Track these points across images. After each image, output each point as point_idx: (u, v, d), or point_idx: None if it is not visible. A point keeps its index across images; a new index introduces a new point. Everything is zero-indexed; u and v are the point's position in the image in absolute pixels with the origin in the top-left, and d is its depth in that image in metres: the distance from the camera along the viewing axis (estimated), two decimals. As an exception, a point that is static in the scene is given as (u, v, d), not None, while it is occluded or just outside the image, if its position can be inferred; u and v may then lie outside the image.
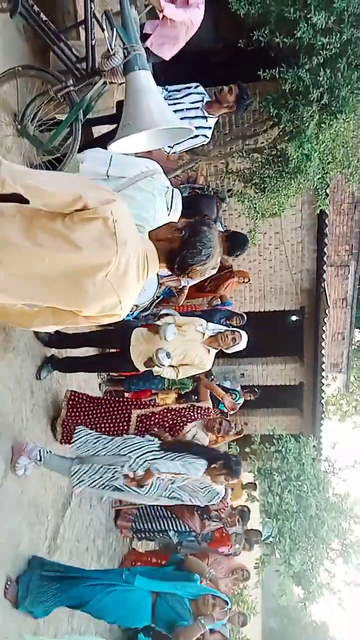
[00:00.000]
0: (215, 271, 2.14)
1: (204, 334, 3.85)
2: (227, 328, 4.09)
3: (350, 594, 6.92)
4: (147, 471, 3.19)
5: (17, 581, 3.01)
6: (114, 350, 4.20)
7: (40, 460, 3.24)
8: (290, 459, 6.76)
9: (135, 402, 4.29)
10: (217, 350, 4.03)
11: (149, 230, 1.74)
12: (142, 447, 3.38)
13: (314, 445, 7.07)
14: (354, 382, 13.23)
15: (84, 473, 3.30)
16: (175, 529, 5.27)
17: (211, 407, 4.41)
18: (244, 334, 3.98)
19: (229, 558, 5.39)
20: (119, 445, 3.41)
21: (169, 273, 4.14)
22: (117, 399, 4.32)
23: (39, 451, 3.23)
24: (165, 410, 4.15)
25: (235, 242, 4.41)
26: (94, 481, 3.29)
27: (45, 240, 1.51)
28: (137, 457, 3.30)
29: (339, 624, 25.71)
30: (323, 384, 9.02)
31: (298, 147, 4.43)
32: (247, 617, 4.92)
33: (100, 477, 3.27)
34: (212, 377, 6.23)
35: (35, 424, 3.62)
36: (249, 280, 6.85)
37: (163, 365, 3.67)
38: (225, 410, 5.70)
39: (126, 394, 5.60)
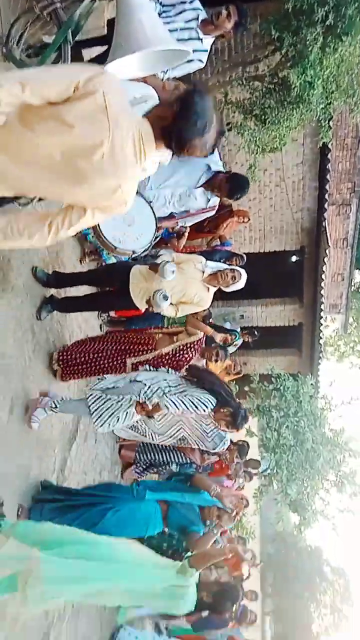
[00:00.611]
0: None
1: (203, 271, 3.82)
2: (226, 266, 4.06)
3: (344, 520, 7.37)
4: (157, 406, 3.27)
5: (30, 510, 3.17)
6: (113, 289, 4.18)
7: (56, 407, 3.35)
8: (288, 397, 6.95)
9: (129, 350, 4.22)
10: (216, 289, 4.02)
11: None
12: (157, 376, 3.45)
13: (311, 384, 7.24)
14: (353, 323, 13.33)
15: (104, 410, 3.36)
16: (177, 461, 5.49)
17: (202, 336, 4.40)
18: (243, 272, 3.95)
19: (231, 488, 5.66)
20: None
21: (167, 214, 4.07)
22: (109, 347, 4.21)
23: (53, 401, 3.36)
24: (159, 357, 4.17)
25: (236, 184, 4.20)
26: (112, 413, 3.35)
27: (38, 125, 1.47)
28: (152, 385, 3.34)
29: (331, 548, 27.62)
30: (322, 324, 9.08)
31: (300, 73, 4.20)
32: (246, 540, 5.25)
33: (120, 406, 3.34)
34: (210, 319, 6.25)
35: (38, 364, 3.68)
36: (249, 219, 6.71)
37: (160, 308, 3.68)
38: None
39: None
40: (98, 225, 2.55)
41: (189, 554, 2.65)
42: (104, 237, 2.65)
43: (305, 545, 19.77)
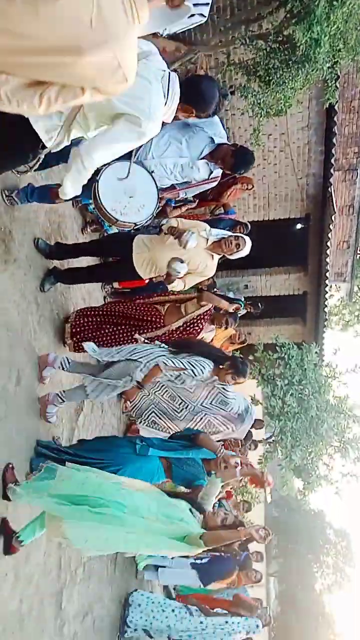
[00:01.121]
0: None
1: (207, 239, 3.77)
2: (231, 234, 4.00)
3: (346, 484, 7.51)
4: (155, 367, 3.32)
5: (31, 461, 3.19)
6: (115, 260, 4.14)
7: (63, 401, 3.47)
8: (293, 365, 6.98)
9: (138, 325, 4.26)
10: (220, 257, 3.98)
11: None
12: (153, 351, 3.49)
13: (316, 352, 7.25)
14: (358, 291, 13.24)
15: (101, 392, 3.52)
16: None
17: (210, 307, 4.41)
18: (247, 239, 3.89)
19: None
20: (131, 351, 3.51)
21: (168, 185, 3.97)
22: (118, 320, 4.26)
23: (62, 360, 3.47)
24: (168, 332, 4.21)
25: (242, 159, 4.03)
26: (109, 394, 3.49)
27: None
28: (148, 362, 3.42)
29: (334, 512, 28.48)
30: (327, 292, 9.03)
31: (306, 30, 4.02)
32: (251, 504, 5.37)
33: (116, 389, 3.46)
34: (216, 289, 6.21)
35: (43, 335, 3.69)
36: (253, 187, 6.57)
37: (179, 274, 3.65)
38: None
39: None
40: (99, 196, 2.49)
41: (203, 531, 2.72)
42: (105, 209, 2.59)
43: (309, 509, 20.26)
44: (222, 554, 4.70)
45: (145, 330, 4.19)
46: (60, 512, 2.44)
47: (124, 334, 4.16)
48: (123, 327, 4.19)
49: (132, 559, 5.47)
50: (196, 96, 2.34)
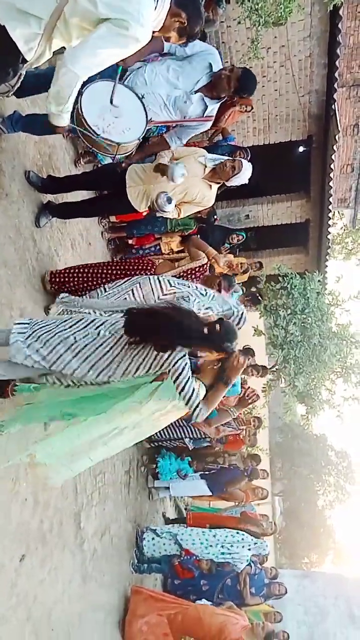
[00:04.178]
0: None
1: (205, 165, 3.60)
2: (227, 158, 3.81)
3: (348, 407, 7.75)
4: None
5: None
6: (110, 193, 3.99)
7: None
8: (295, 295, 6.93)
9: (127, 275, 3.75)
10: (219, 185, 3.82)
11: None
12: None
13: (318, 280, 7.18)
14: (361, 218, 12.92)
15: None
16: (190, 436, 5.64)
17: (206, 262, 4.09)
18: (246, 163, 3.71)
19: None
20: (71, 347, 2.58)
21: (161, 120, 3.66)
22: (104, 273, 3.79)
23: None
24: None
25: (247, 82, 3.53)
26: None
27: None
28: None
29: (336, 435, 29.84)
30: (330, 219, 8.80)
31: None
32: (262, 422, 5.59)
33: None
34: (215, 217, 6.06)
35: (42, 272, 3.64)
36: (252, 108, 6.23)
37: (165, 212, 3.50)
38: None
39: (129, 241, 5.54)
40: (81, 109, 2.31)
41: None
42: (87, 122, 2.37)
43: (311, 433, 21.12)
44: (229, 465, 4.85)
45: None
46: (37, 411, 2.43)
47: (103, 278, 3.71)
48: (112, 275, 3.76)
49: (146, 480, 5.80)
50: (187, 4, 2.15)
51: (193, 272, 3.99)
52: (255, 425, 5.58)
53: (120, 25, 1.72)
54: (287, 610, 7.42)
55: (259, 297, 6.39)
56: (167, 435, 5.65)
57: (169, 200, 3.47)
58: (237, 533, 5.16)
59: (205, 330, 2.37)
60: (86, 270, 3.73)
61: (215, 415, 3.50)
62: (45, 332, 2.41)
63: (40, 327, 2.44)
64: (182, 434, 5.67)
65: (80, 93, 2.29)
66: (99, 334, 2.42)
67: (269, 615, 4.99)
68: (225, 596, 4.70)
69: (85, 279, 3.68)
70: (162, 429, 5.17)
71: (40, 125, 3.03)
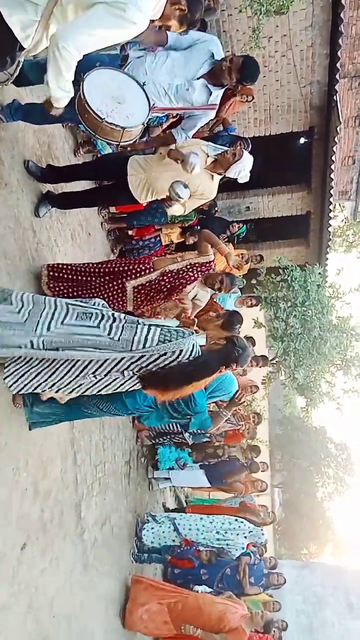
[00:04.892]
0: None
1: (207, 155, 3.57)
2: (229, 148, 3.78)
3: (348, 400, 7.77)
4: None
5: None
6: (110, 183, 3.96)
7: None
8: (296, 287, 6.93)
9: (127, 272, 3.75)
10: (220, 177, 3.79)
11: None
12: None
13: (319, 273, 7.18)
14: (362, 210, 12.86)
15: None
16: (189, 430, 5.63)
17: (213, 259, 3.95)
18: (247, 154, 3.68)
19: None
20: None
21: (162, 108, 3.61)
22: (103, 268, 3.73)
23: None
24: (161, 275, 3.79)
25: (249, 71, 3.47)
26: None
27: None
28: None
29: (335, 427, 30.01)
30: (331, 211, 8.77)
31: None
32: (262, 416, 5.60)
33: None
34: (216, 209, 6.04)
35: (42, 263, 3.63)
36: (253, 98, 6.18)
37: (182, 199, 3.44)
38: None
39: (129, 232, 5.52)
40: (84, 95, 2.28)
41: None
42: (90, 107, 2.34)
43: (311, 425, 21.19)
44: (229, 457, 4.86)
45: (136, 275, 3.75)
46: None
47: (113, 286, 3.67)
48: (111, 272, 3.71)
49: (146, 471, 5.82)
50: None
51: (198, 267, 3.86)
52: (255, 421, 5.58)
53: (117, 7, 1.69)
54: (286, 600, 7.48)
55: (259, 298, 6.36)
56: (167, 428, 5.67)
57: (185, 186, 3.41)
58: (236, 520, 5.19)
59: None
60: (84, 269, 3.69)
61: (209, 425, 3.52)
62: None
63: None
64: (182, 427, 5.68)
65: (82, 79, 2.27)
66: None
67: (267, 604, 5.03)
68: (224, 585, 4.73)
69: (81, 282, 3.64)
70: (162, 425, 5.31)
71: (39, 114, 2.99)
